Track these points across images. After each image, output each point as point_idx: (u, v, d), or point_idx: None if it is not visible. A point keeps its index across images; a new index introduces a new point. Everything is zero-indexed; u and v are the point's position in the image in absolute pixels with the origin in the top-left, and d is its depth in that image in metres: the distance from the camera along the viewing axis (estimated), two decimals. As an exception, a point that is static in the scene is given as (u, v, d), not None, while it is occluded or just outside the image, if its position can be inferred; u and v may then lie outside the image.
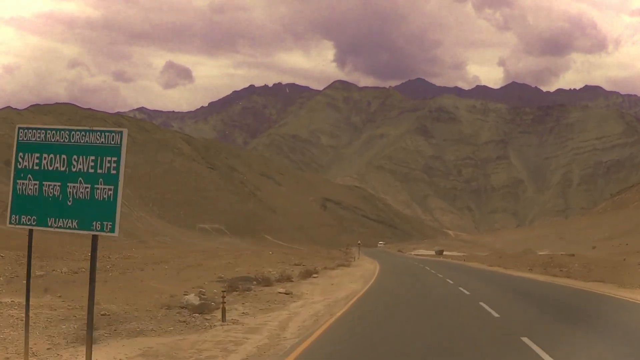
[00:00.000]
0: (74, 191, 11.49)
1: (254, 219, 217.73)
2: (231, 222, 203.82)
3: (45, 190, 11.67)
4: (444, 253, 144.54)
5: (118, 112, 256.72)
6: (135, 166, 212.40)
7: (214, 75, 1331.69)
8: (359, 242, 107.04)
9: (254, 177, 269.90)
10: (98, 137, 11.68)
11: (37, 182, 11.72)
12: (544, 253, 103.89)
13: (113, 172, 11.48)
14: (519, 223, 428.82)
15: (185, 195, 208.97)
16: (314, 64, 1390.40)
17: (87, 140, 11.67)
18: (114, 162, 11.55)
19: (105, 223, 11.25)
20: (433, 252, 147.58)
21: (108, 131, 11.70)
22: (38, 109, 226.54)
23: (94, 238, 11.34)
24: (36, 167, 11.79)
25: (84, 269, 35.15)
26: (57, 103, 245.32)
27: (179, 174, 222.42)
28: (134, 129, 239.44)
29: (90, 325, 11.46)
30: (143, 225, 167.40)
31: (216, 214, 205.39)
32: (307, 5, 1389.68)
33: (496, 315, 22.62)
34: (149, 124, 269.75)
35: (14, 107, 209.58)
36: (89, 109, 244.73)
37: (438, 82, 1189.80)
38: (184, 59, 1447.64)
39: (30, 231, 12.08)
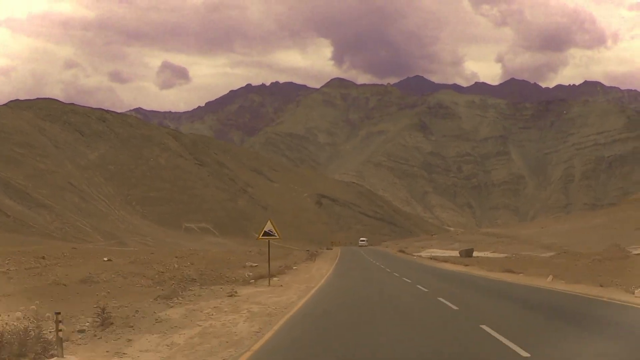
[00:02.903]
0: None
1: (244, 217, 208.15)
2: (219, 221, 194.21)
3: None
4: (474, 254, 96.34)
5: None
6: (118, 163, 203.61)
7: (210, 75, 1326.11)
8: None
9: (244, 173, 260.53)
10: None
11: None
12: (640, 252, 71.44)
13: None
14: (520, 219, 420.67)
15: (170, 193, 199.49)
16: (311, 62, 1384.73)
17: None
18: None
19: None
20: (456, 253, 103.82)
21: None
22: (17, 104, 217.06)
23: None
24: None
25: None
26: (38, 98, 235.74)
27: (164, 170, 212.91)
28: (118, 123, 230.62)
29: None
30: (124, 225, 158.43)
31: (204, 213, 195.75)
32: (303, 3, 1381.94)
33: None
34: (133, 118, 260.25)
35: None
36: (71, 103, 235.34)
37: (436, 79, 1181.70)
38: (180, 59, 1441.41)
39: None
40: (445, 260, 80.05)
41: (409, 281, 41.26)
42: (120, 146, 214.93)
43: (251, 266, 52.49)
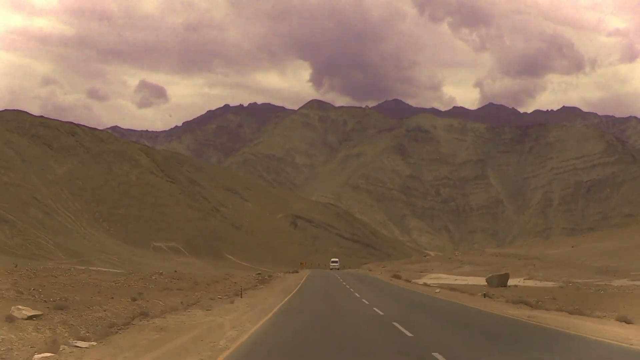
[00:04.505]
0: None
1: (215, 237, 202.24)
2: (190, 240, 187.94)
3: None
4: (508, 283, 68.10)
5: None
6: (86, 178, 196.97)
7: (188, 95, 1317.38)
8: None
9: (218, 192, 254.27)
10: None
11: None
12: None
13: None
14: (498, 244, 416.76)
15: (140, 211, 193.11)
16: (289, 84, 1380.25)
17: None
18: None
19: None
20: (473, 280, 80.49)
21: None
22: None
23: None
24: None
25: None
26: (6, 110, 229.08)
27: (134, 187, 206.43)
28: (89, 138, 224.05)
29: None
30: (89, 243, 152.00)
31: (174, 231, 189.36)
32: (282, 25, 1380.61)
33: None
34: (104, 133, 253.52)
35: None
36: (41, 116, 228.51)
37: (414, 103, 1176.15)
38: (158, 78, 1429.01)
39: None
40: (507, 302, 41.82)
41: None
42: (90, 161, 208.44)
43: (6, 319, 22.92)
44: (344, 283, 71.01)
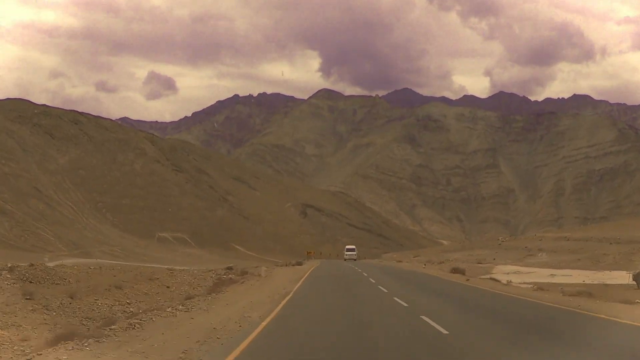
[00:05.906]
0: None
1: (223, 227, 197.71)
2: (197, 231, 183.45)
3: None
4: None
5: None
6: (90, 168, 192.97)
7: (197, 86, 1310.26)
8: None
9: (225, 181, 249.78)
10: None
11: None
12: None
13: None
14: (510, 233, 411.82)
15: (145, 201, 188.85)
16: (298, 74, 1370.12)
17: None
18: None
19: None
20: (573, 275, 59.39)
21: None
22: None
23: None
24: None
25: None
26: (8, 98, 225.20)
27: (139, 176, 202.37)
28: (92, 127, 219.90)
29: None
30: (91, 234, 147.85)
31: (180, 221, 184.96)
32: (290, 15, 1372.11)
33: None
34: (109, 122, 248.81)
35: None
36: (44, 105, 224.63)
37: (424, 92, 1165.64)
38: (167, 70, 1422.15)
39: None
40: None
41: None
42: (93, 150, 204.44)
43: None
44: (385, 290, 37.48)
